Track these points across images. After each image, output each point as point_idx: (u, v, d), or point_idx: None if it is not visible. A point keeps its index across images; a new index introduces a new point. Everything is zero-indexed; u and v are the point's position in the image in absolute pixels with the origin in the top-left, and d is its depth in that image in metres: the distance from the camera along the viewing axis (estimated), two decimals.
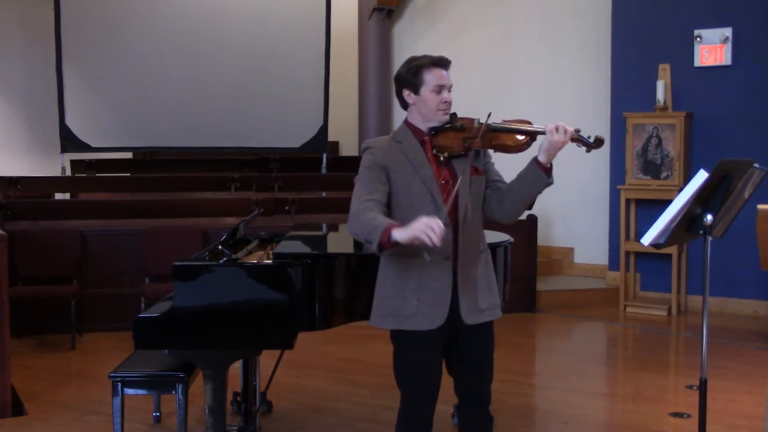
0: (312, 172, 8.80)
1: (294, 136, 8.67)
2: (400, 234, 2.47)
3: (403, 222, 2.56)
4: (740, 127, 7.09)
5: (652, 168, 7.18)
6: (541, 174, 2.66)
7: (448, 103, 2.76)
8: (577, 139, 2.66)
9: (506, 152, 2.73)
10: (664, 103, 7.20)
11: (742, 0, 7.07)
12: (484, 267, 2.85)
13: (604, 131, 7.70)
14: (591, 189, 8.08)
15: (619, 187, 7.38)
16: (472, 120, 2.77)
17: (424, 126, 2.79)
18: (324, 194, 8.32)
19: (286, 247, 3.71)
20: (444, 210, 2.62)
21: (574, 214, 8.30)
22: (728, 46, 7.07)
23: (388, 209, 2.73)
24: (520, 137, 2.69)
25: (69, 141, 8.09)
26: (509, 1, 8.90)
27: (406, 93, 2.78)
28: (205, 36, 8.37)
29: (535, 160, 2.67)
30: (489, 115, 2.68)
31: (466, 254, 2.76)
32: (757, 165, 2.98)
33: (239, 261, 3.47)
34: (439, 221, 2.41)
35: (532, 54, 8.61)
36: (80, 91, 8.12)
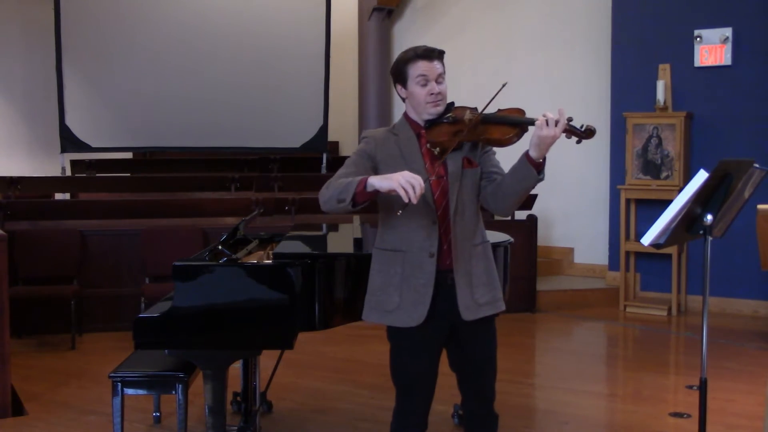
0: (312, 172, 8.81)
1: (294, 136, 8.68)
2: (378, 182, 2.46)
3: (388, 219, 2.62)
4: (740, 127, 7.08)
5: (652, 168, 7.18)
6: (531, 170, 2.53)
7: (437, 95, 2.67)
8: (569, 130, 2.52)
9: (496, 146, 2.65)
10: (664, 103, 7.20)
11: (742, 0, 7.07)
12: (483, 260, 2.76)
13: (604, 131, 7.69)
14: (591, 189, 8.08)
15: (619, 187, 7.37)
16: (465, 110, 2.67)
17: (419, 119, 2.74)
18: None
19: (286, 247, 3.70)
20: (434, 206, 2.63)
21: (574, 214, 8.29)
22: (728, 46, 7.07)
23: (375, 203, 2.69)
24: (509, 131, 2.57)
25: (69, 141, 8.10)
26: (509, 1, 8.90)
27: (398, 87, 2.77)
28: (205, 36, 8.38)
29: (526, 154, 2.54)
30: (503, 85, 2.59)
31: (460, 249, 2.69)
32: (757, 165, 2.98)
33: (239, 261, 3.47)
34: (420, 179, 2.41)
35: (532, 54, 8.61)
36: (80, 91, 8.13)
